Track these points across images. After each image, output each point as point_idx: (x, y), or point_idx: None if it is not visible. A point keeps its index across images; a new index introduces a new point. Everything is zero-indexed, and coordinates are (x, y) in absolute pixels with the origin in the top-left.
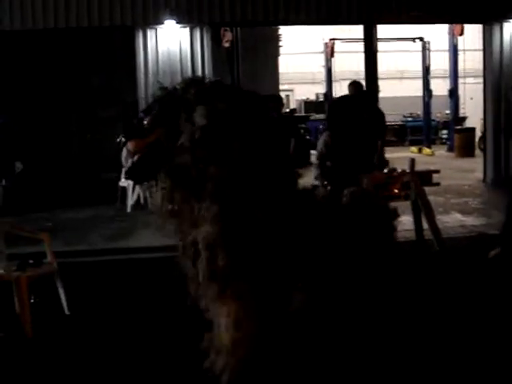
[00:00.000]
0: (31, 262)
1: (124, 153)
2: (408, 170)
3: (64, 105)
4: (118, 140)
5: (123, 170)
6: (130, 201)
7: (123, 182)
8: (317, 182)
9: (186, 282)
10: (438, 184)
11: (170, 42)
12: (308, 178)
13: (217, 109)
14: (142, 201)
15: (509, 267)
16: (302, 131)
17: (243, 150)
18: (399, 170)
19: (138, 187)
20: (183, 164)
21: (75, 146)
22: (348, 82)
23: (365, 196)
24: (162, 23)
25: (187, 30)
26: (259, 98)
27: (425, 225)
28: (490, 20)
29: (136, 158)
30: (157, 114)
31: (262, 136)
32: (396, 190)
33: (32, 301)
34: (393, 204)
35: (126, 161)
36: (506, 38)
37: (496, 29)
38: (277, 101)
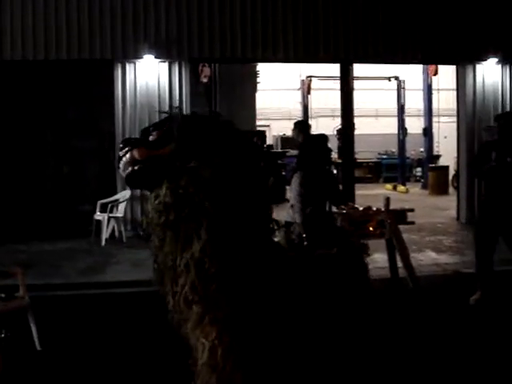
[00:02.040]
0: (3, 295)
1: (124, 160)
2: (383, 208)
3: (41, 136)
4: (122, 145)
5: (98, 204)
6: (105, 234)
7: (98, 216)
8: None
9: (161, 316)
10: (412, 223)
11: (148, 76)
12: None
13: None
14: (116, 234)
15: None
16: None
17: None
18: (374, 208)
19: (112, 220)
20: (187, 188)
21: (51, 177)
22: (324, 119)
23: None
24: (141, 57)
25: (166, 64)
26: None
27: (399, 263)
28: (463, 61)
29: (138, 166)
30: (169, 130)
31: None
32: (371, 228)
33: (3, 335)
34: (367, 241)
35: (126, 166)
36: (479, 78)
37: (469, 70)
38: (261, 136)
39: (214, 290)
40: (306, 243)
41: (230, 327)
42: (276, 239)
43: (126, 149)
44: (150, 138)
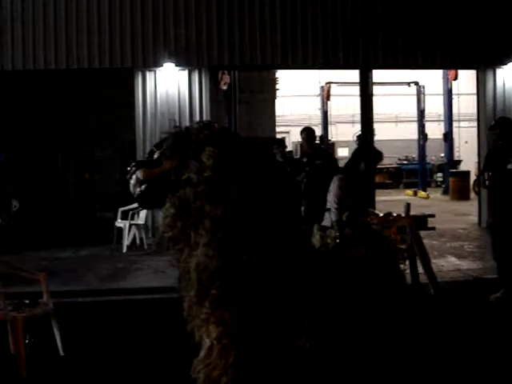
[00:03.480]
0: (27, 301)
1: (133, 181)
2: (403, 214)
3: (62, 144)
4: (129, 168)
5: (119, 211)
6: (126, 241)
7: (119, 223)
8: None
9: (183, 323)
10: (433, 228)
11: (168, 84)
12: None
13: (223, 152)
14: (137, 241)
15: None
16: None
17: (240, 194)
18: (395, 214)
19: (133, 228)
20: (185, 197)
21: (72, 185)
22: (343, 125)
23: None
24: (161, 66)
25: (186, 72)
26: (262, 147)
27: (420, 269)
28: (482, 66)
29: (144, 186)
30: (168, 147)
31: (263, 182)
32: (392, 234)
33: (27, 341)
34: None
35: (135, 188)
36: (499, 83)
37: (489, 74)
38: (281, 144)
39: (216, 293)
40: (337, 241)
41: (233, 329)
42: (313, 243)
43: (131, 171)
44: (155, 156)
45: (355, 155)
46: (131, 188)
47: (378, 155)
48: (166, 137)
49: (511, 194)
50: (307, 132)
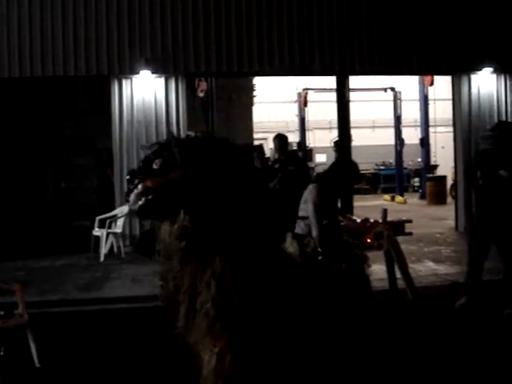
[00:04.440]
0: (1, 313)
1: (135, 191)
2: (381, 220)
3: (38, 152)
4: (129, 177)
5: (96, 219)
6: (104, 250)
7: (96, 231)
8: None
9: (161, 332)
10: (410, 234)
11: (145, 92)
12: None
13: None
14: (115, 250)
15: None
16: None
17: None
18: (372, 220)
19: (111, 236)
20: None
21: (49, 193)
22: (320, 131)
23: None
24: (138, 73)
25: (162, 79)
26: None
27: (398, 274)
28: (458, 71)
29: (151, 196)
30: (170, 156)
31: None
32: (369, 240)
33: (2, 353)
34: (366, 253)
35: (137, 199)
36: (474, 88)
37: (464, 80)
38: (260, 151)
39: (235, 302)
40: (320, 257)
41: (240, 335)
42: (289, 251)
43: (137, 180)
44: (154, 166)
45: (333, 169)
46: (132, 197)
47: (355, 172)
48: (164, 144)
49: (498, 199)
50: (279, 139)
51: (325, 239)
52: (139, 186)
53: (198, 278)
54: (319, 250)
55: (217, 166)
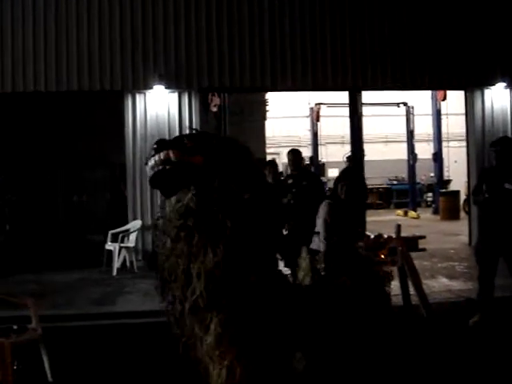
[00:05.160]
0: (15, 327)
1: (156, 158)
2: (394, 236)
3: (52, 166)
4: (156, 146)
5: (109, 234)
6: (116, 264)
7: (109, 245)
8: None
9: (173, 347)
10: (423, 249)
11: (158, 106)
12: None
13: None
14: (127, 264)
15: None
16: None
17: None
18: (385, 236)
19: (123, 250)
20: (211, 200)
21: (63, 208)
22: (333, 146)
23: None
24: (151, 88)
25: (176, 94)
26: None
27: (412, 290)
28: (471, 86)
29: (169, 167)
30: (202, 143)
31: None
32: (383, 256)
33: (15, 367)
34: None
35: (155, 166)
36: (487, 103)
37: (477, 95)
38: (273, 166)
39: (225, 304)
40: (323, 273)
41: (248, 347)
42: (302, 266)
43: (162, 147)
44: (185, 142)
45: (337, 180)
46: (152, 162)
47: (358, 176)
48: (199, 132)
49: (504, 213)
50: (293, 153)
51: (331, 255)
52: (161, 154)
53: (191, 265)
54: (323, 265)
55: (236, 165)
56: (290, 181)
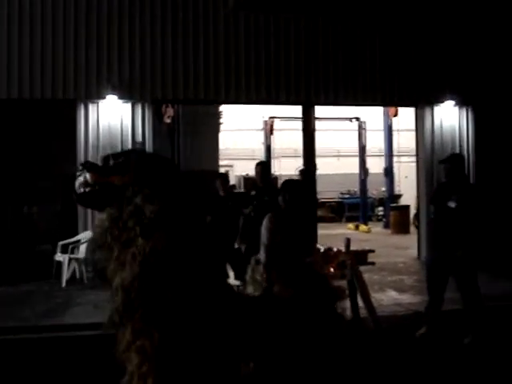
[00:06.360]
0: None
1: (78, 180)
2: (344, 250)
3: (1, 176)
4: (80, 166)
5: (59, 245)
6: (66, 275)
7: (59, 257)
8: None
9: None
10: (373, 263)
11: (111, 117)
12: None
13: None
14: (77, 275)
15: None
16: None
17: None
18: (335, 249)
19: (73, 262)
20: (124, 218)
21: (11, 218)
22: (286, 159)
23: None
24: (104, 98)
25: (129, 105)
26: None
27: (360, 303)
28: (421, 103)
29: (88, 189)
30: (125, 161)
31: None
32: (332, 269)
33: None
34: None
35: (79, 187)
36: (437, 120)
37: (427, 112)
38: (224, 178)
39: (139, 318)
40: (265, 285)
41: (153, 358)
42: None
43: (81, 170)
44: (110, 163)
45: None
46: (76, 184)
47: (300, 187)
48: (127, 150)
49: (449, 231)
50: (262, 166)
51: (270, 265)
52: (81, 177)
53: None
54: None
55: (161, 181)
56: (253, 192)
